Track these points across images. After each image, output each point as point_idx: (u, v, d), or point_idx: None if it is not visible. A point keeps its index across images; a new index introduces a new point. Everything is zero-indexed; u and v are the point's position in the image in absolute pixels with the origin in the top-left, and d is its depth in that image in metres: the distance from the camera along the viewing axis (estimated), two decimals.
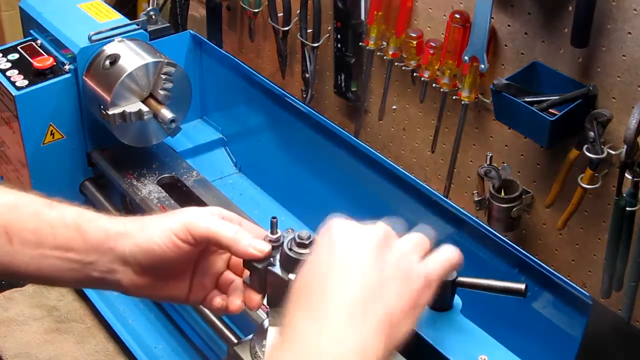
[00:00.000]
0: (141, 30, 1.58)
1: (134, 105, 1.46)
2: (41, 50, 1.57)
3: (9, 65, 1.54)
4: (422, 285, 0.81)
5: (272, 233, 0.93)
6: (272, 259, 0.92)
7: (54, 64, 1.52)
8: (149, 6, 1.64)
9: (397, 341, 0.77)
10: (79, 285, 0.94)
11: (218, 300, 0.97)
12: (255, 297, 0.95)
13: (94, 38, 1.50)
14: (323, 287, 0.78)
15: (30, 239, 0.90)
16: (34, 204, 0.93)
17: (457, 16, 1.52)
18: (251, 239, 0.90)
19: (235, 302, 0.96)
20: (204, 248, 0.93)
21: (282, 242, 0.92)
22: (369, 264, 0.79)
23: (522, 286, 0.88)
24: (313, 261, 0.82)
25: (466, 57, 1.50)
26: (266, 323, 1.01)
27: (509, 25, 1.49)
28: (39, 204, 0.92)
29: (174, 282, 0.95)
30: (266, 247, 0.91)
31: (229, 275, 0.98)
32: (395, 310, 0.77)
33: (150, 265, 0.90)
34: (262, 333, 1.00)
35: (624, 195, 1.33)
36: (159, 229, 0.89)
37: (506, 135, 1.58)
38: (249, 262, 0.93)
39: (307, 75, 1.90)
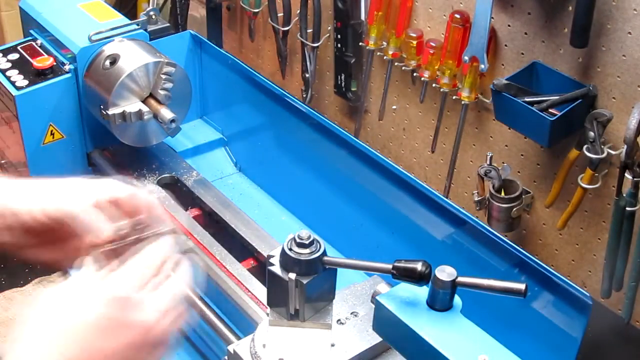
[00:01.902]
0: (141, 30, 1.58)
1: (134, 105, 1.46)
2: (41, 50, 1.57)
3: (9, 65, 1.55)
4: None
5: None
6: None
7: (54, 64, 1.52)
8: (149, 6, 1.64)
9: None
10: None
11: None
12: None
13: (94, 38, 1.50)
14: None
15: None
16: None
17: (457, 16, 1.52)
18: (97, 225, 0.91)
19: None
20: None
21: (129, 230, 0.91)
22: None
23: (522, 286, 0.88)
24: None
25: (466, 57, 1.50)
26: (266, 323, 1.01)
27: (509, 25, 1.49)
28: None
29: (51, 245, 0.97)
30: (107, 233, 0.91)
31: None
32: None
33: (22, 228, 0.93)
34: (262, 333, 1.00)
35: (624, 195, 1.32)
36: (32, 205, 0.92)
37: (506, 135, 1.58)
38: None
39: (307, 75, 1.90)
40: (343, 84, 1.86)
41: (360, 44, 1.77)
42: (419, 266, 0.88)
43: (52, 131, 1.53)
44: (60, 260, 1.00)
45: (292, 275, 0.93)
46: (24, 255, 1.00)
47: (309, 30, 1.86)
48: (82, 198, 0.94)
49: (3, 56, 1.57)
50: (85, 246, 0.98)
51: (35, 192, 0.94)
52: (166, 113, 1.46)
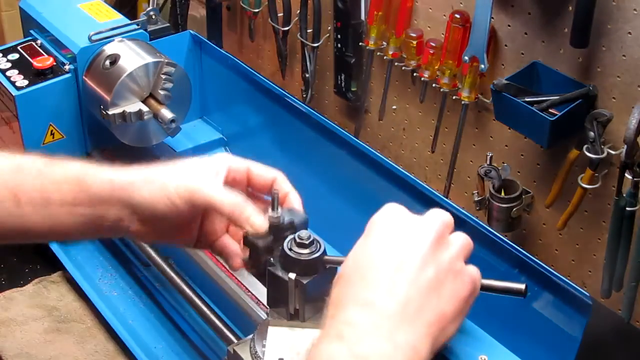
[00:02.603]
0: (141, 30, 1.58)
1: (134, 105, 1.46)
2: (41, 50, 1.57)
3: (9, 65, 1.54)
4: (471, 290, 0.79)
5: (272, 210, 0.91)
6: (271, 237, 0.91)
7: (54, 64, 1.52)
8: (149, 6, 1.64)
9: (440, 345, 0.75)
10: (92, 237, 0.97)
11: (225, 240, 0.98)
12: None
13: (94, 38, 1.50)
14: (379, 279, 0.76)
15: (38, 199, 0.90)
16: (37, 163, 0.93)
17: (457, 16, 1.52)
18: (250, 214, 0.90)
19: (236, 260, 0.97)
20: None
21: (282, 221, 0.91)
22: (427, 260, 0.77)
23: (522, 286, 0.88)
24: (368, 247, 0.80)
25: (466, 57, 1.50)
26: (266, 323, 1.01)
27: (509, 25, 1.49)
28: (42, 163, 0.93)
29: (182, 230, 0.96)
30: (264, 226, 0.90)
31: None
32: (446, 313, 0.76)
33: (156, 218, 0.91)
34: (262, 333, 1.00)
35: (624, 195, 1.33)
36: (162, 190, 0.89)
37: (506, 135, 1.58)
38: (248, 240, 0.92)
39: (307, 75, 1.90)
40: (343, 84, 1.86)
41: (360, 44, 1.77)
42: None
43: (52, 131, 1.53)
44: (192, 241, 0.99)
45: (292, 275, 0.93)
46: (149, 240, 0.97)
47: (309, 30, 1.86)
48: (215, 176, 0.92)
49: (3, 56, 1.57)
50: (221, 226, 0.98)
51: (162, 175, 0.91)
52: (166, 113, 1.46)
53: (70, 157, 0.96)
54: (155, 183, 0.90)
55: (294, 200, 0.97)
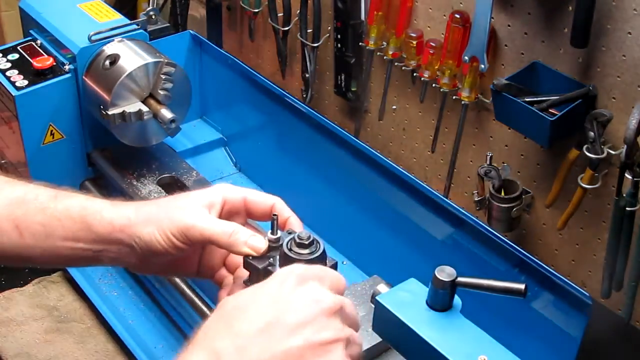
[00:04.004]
0: (141, 30, 1.58)
1: (134, 105, 1.46)
2: (41, 50, 1.57)
3: (9, 65, 1.55)
4: None
5: (272, 233, 0.92)
6: (271, 259, 0.92)
7: (54, 64, 1.52)
8: (149, 6, 1.64)
9: None
10: (92, 266, 0.99)
11: (222, 272, 1.01)
12: None
13: (94, 38, 1.51)
14: (240, 333, 0.74)
15: (40, 232, 0.93)
16: (41, 197, 0.96)
17: (457, 16, 1.52)
18: (248, 239, 0.91)
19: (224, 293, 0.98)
20: None
21: (282, 243, 0.92)
22: (295, 330, 0.74)
23: (522, 286, 0.88)
24: (256, 295, 0.79)
25: (466, 57, 1.50)
26: None
27: (509, 25, 1.49)
28: (46, 197, 0.96)
29: (181, 264, 0.99)
30: (262, 246, 0.91)
31: (235, 257, 1.00)
32: None
33: (154, 255, 0.93)
34: None
35: (624, 195, 1.32)
36: (158, 230, 0.91)
37: (506, 135, 1.58)
38: (248, 263, 0.93)
39: (307, 75, 1.90)
40: (343, 84, 1.86)
41: (360, 44, 1.77)
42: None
43: (52, 131, 1.53)
44: (193, 274, 1.02)
45: None
46: (150, 274, 0.98)
47: (309, 30, 1.86)
48: (209, 211, 0.93)
49: (3, 56, 1.57)
50: (219, 259, 1.00)
51: (158, 214, 0.92)
52: (166, 113, 1.46)
53: (73, 190, 0.99)
54: (152, 223, 0.92)
55: (295, 224, 0.98)
